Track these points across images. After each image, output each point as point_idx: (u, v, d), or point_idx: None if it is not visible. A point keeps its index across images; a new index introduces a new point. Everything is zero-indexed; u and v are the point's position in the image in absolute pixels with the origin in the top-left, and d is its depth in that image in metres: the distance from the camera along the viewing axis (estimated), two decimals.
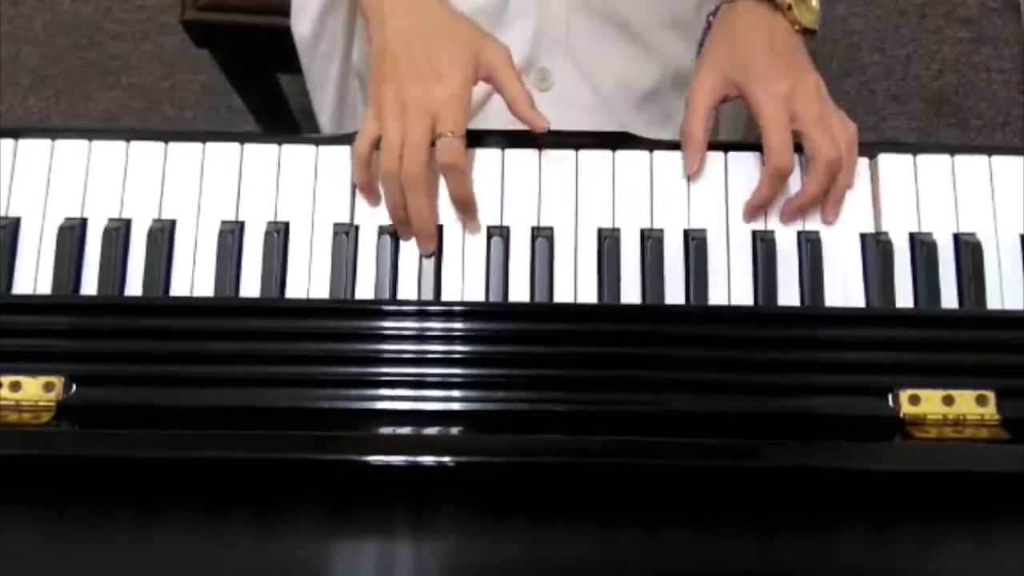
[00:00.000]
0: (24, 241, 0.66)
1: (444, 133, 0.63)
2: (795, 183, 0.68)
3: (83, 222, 0.66)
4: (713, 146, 0.68)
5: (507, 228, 0.67)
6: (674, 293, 0.66)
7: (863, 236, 0.67)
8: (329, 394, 0.62)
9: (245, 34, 1.11)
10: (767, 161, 0.66)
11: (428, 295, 0.65)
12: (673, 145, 0.68)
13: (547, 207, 0.67)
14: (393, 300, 0.65)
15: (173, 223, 0.66)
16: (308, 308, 0.64)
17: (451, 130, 0.63)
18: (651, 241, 0.66)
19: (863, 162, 0.68)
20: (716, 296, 0.66)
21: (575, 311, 0.65)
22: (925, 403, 0.62)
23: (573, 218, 0.67)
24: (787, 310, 0.65)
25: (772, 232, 0.67)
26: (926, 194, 0.68)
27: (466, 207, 0.66)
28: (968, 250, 0.66)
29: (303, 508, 0.56)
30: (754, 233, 0.67)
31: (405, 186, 0.64)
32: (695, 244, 0.66)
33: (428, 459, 0.56)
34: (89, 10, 1.65)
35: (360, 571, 0.56)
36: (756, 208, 0.67)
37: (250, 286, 0.65)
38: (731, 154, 0.68)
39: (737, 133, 0.90)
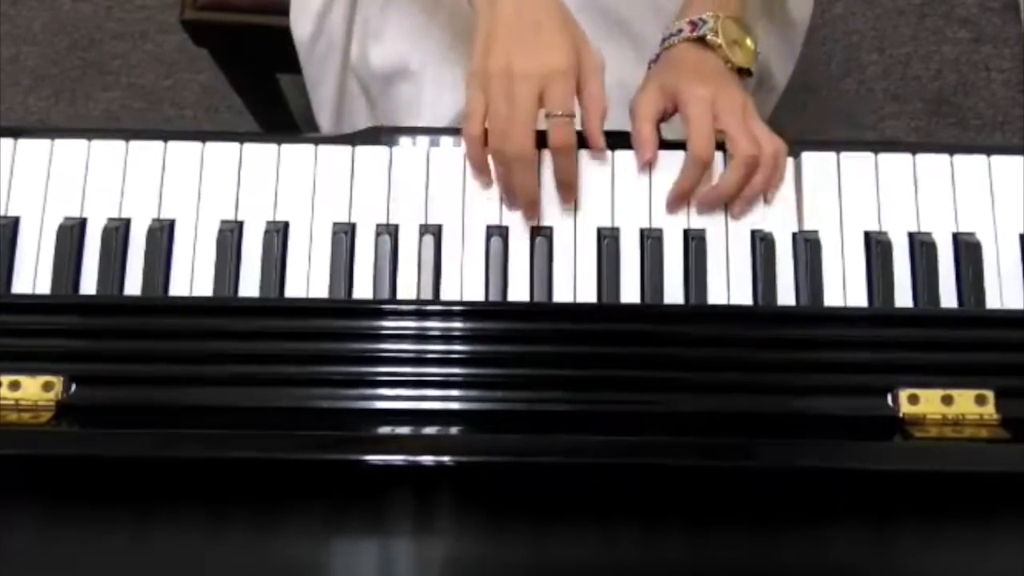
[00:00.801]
0: (24, 240, 0.66)
1: (555, 112, 0.64)
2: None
3: (82, 221, 0.66)
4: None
5: (506, 227, 0.67)
6: (673, 293, 0.66)
7: (862, 235, 0.67)
8: (328, 393, 0.62)
9: (245, 34, 1.11)
10: (688, 151, 0.67)
11: (427, 294, 0.65)
12: (672, 145, 0.68)
13: (546, 206, 0.67)
14: (392, 299, 0.65)
15: (172, 222, 0.66)
16: (307, 308, 0.64)
17: (561, 109, 0.64)
18: (650, 241, 0.66)
19: (865, 161, 0.69)
20: (715, 296, 0.66)
21: (574, 311, 0.65)
22: (924, 403, 0.62)
23: (572, 217, 0.67)
24: (786, 310, 0.65)
25: (771, 232, 0.67)
26: (925, 194, 0.68)
27: (571, 190, 0.67)
28: (967, 250, 0.66)
29: (302, 508, 0.56)
30: (753, 233, 0.67)
31: (511, 162, 0.64)
32: (694, 244, 0.66)
33: (427, 459, 0.56)
34: (89, 10, 1.65)
35: (359, 571, 0.56)
36: (678, 198, 0.68)
37: (249, 285, 0.65)
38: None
39: None
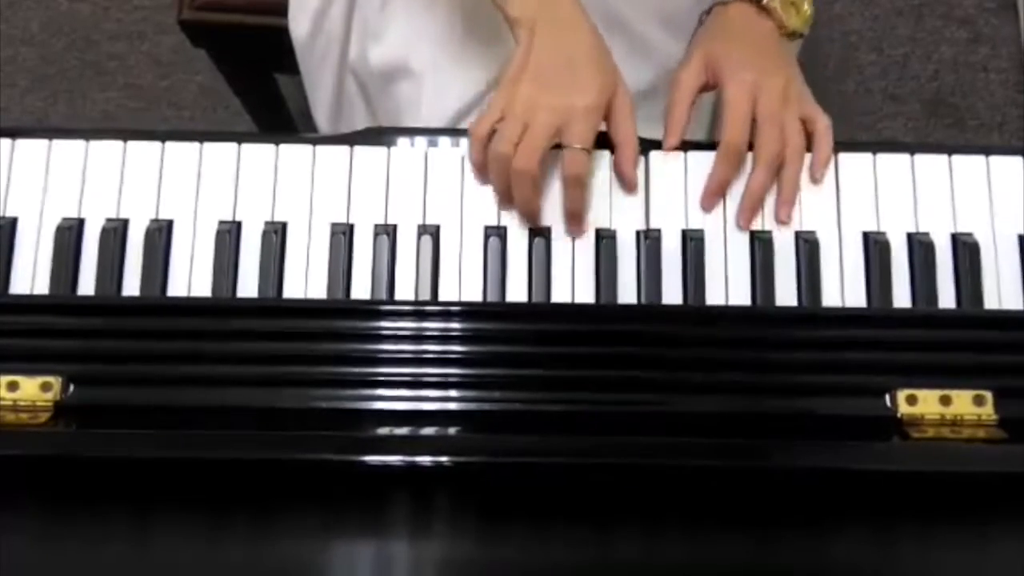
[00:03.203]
0: (21, 241, 0.66)
1: (573, 144, 0.64)
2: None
3: (80, 222, 0.66)
4: (713, 146, 0.68)
5: (504, 228, 0.67)
6: (671, 293, 0.66)
7: (861, 236, 0.67)
8: (326, 394, 0.62)
9: (243, 34, 1.10)
10: (722, 137, 0.67)
11: (425, 295, 0.65)
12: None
13: (545, 207, 0.67)
14: (390, 300, 0.65)
15: (170, 223, 0.66)
16: (305, 308, 0.64)
17: (582, 142, 0.64)
18: (649, 241, 0.66)
19: (863, 162, 0.69)
20: (714, 296, 0.66)
21: (572, 311, 0.65)
22: (922, 403, 0.62)
23: None
24: (784, 310, 0.65)
25: (769, 232, 0.67)
26: (923, 194, 0.68)
27: (577, 223, 0.67)
28: (965, 250, 0.66)
29: (300, 508, 0.56)
30: (752, 233, 0.67)
31: (514, 176, 0.64)
32: (693, 244, 0.66)
33: (425, 459, 0.56)
34: (87, 10, 1.65)
35: (358, 571, 0.56)
36: (714, 192, 0.67)
37: (247, 286, 0.65)
38: None
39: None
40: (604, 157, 0.68)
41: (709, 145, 0.69)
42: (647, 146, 0.68)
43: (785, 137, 0.68)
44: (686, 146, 0.69)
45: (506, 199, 0.67)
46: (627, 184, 0.67)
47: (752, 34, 0.71)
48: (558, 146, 0.65)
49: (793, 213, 0.68)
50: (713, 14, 0.74)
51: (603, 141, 0.68)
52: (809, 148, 0.69)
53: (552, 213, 0.67)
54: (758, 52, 0.70)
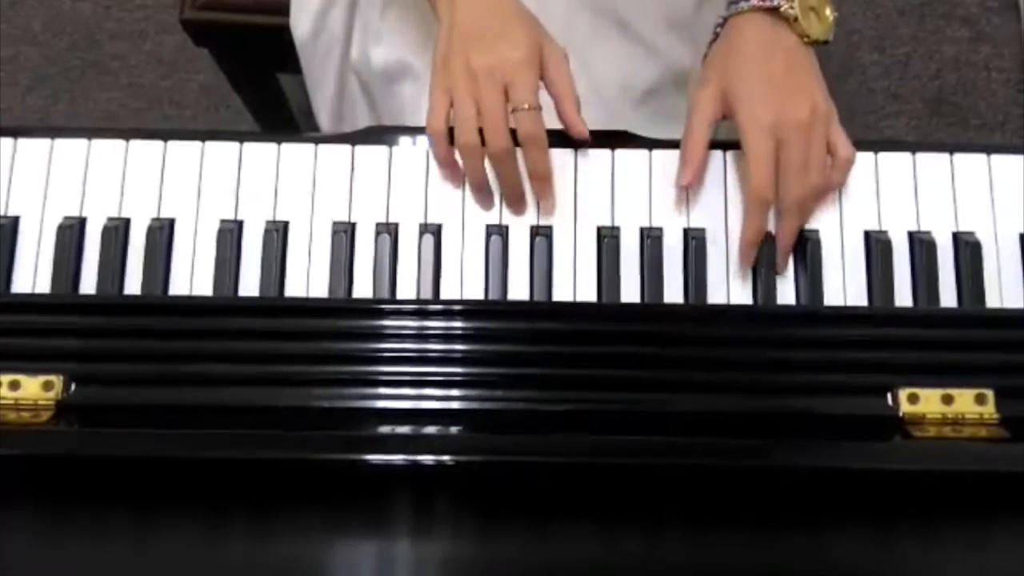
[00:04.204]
0: (23, 240, 0.66)
1: (521, 105, 0.64)
2: None
3: (82, 221, 0.66)
4: (712, 145, 0.68)
5: (506, 227, 0.67)
6: (673, 292, 0.66)
7: (862, 235, 0.67)
8: (328, 393, 0.62)
9: (244, 33, 1.11)
10: (748, 189, 0.65)
11: (427, 294, 0.65)
12: (673, 144, 0.68)
13: (546, 206, 0.67)
14: (392, 299, 0.65)
15: (172, 222, 0.66)
16: (307, 307, 0.64)
17: (528, 102, 0.63)
18: (650, 240, 0.66)
19: (865, 160, 0.68)
20: (715, 295, 0.66)
21: (574, 310, 0.65)
22: (924, 402, 0.62)
23: (572, 217, 0.67)
24: (786, 309, 0.65)
25: (771, 231, 0.67)
26: (925, 193, 0.68)
27: (545, 181, 0.66)
28: (967, 249, 0.66)
29: (302, 507, 0.56)
30: None
31: (494, 161, 0.65)
32: (694, 243, 0.66)
33: (428, 458, 0.56)
34: (88, 9, 1.65)
35: (359, 570, 0.56)
36: (751, 244, 0.65)
37: (249, 285, 0.65)
38: (730, 153, 0.68)
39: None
40: (604, 156, 0.68)
41: (713, 144, 0.68)
42: (651, 145, 0.68)
43: (811, 177, 0.65)
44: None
45: (482, 188, 0.66)
46: (577, 135, 0.66)
47: (772, 53, 0.66)
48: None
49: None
50: (728, 28, 0.69)
51: (602, 141, 0.68)
52: None
53: (552, 212, 0.67)
54: (779, 79, 0.66)
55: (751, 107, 0.65)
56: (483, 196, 0.67)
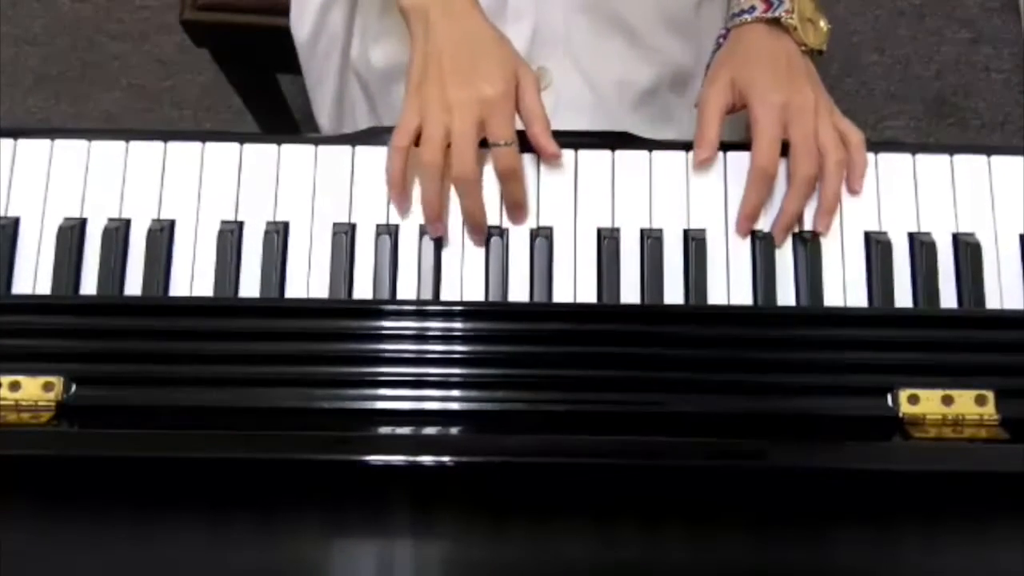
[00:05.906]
0: (24, 241, 0.66)
1: (499, 142, 0.64)
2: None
3: (83, 222, 0.66)
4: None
5: (506, 228, 0.67)
6: (673, 293, 0.66)
7: (862, 236, 0.67)
8: (328, 394, 0.62)
9: (245, 34, 1.11)
10: (751, 162, 0.67)
11: (427, 295, 0.65)
12: (672, 145, 0.68)
13: (546, 207, 0.67)
14: (392, 300, 0.65)
15: (172, 223, 0.66)
16: (307, 308, 0.64)
17: (505, 138, 0.64)
18: (650, 241, 0.66)
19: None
20: (715, 296, 0.66)
21: (574, 311, 0.65)
22: (924, 403, 0.62)
23: (572, 218, 0.67)
24: (786, 310, 0.65)
25: (771, 232, 0.67)
26: (925, 194, 0.68)
27: (520, 212, 0.66)
28: (967, 250, 0.66)
29: (303, 508, 0.56)
30: (753, 233, 0.67)
31: (458, 185, 0.65)
32: (694, 244, 0.66)
33: (427, 459, 0.56)
34: (89, 10, 1.65)
35: (360, 571, 0.56)
36: (748, 217, 0.67)
37: (249, 286, 0.65)
38: (730, 154, 0.68)
39: (737, 136, 0.91)
40: (604, 158, 0.68)
41: None
42: (650, 145, 0.68)
43: (824, 151, 0.67)
44: (687, 147, 0.68)
45: (434, 208, 0.65)
46: (549, 157, 0.66)
47: (776, 54, 0.70)
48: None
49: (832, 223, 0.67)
50: (732, 36, 0.73)
51: (605, 141, 0.68)
52: None
53: (552, 212, 0.67)
54: (784, 72, 0.69)
55: (763, 91, 0.68)
56: (433, 216, 0.65)
